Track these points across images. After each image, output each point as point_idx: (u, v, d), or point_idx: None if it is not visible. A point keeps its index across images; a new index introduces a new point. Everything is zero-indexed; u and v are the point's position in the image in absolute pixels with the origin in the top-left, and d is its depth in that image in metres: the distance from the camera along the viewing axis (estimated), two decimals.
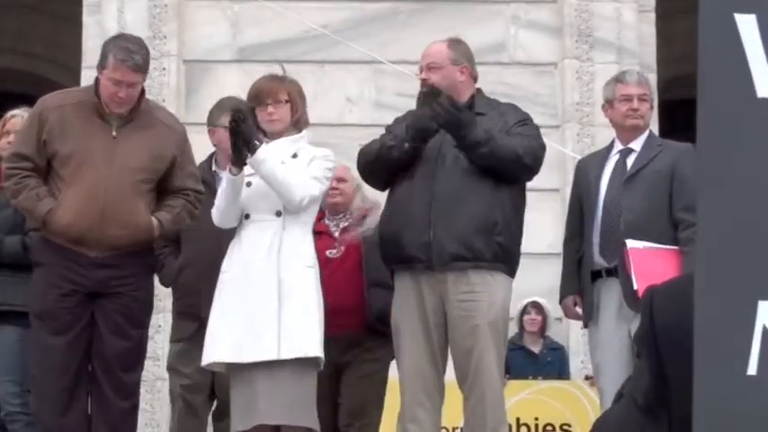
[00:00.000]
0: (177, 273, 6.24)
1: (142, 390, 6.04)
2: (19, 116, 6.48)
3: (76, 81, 10.45)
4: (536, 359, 10.44)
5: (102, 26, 10.57)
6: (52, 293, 5.57)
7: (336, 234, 6.57)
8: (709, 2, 1.87)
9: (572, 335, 10.28)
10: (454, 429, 8.81)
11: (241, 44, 10.86)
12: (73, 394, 5.55)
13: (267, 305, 5.39)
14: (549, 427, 10.00)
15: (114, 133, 5.63)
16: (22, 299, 6.31)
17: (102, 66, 5.62)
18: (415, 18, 10.79)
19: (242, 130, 5.42)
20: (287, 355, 5.33)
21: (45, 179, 5.65)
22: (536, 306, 10.37)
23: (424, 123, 5.66)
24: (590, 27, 10.80)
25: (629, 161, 6.18)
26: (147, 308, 5.74)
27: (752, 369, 2.00)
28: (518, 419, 9.86)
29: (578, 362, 10.22)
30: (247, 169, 5.52)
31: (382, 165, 5.78)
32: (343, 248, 6.46)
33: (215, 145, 6.42)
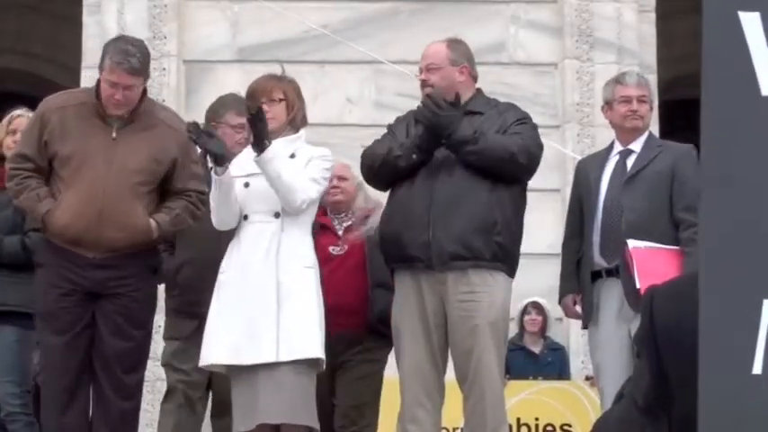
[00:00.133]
0: (175, 271, 6.22)
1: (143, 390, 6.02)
2: (24, 116, 6.48)
3: (76, 81, 10.45)
4: (536, 359, 10.43)
5: (102, 26, 10.58)
6: (52, 293, 5.57)
7: (340, 232, 6.57)
8: (714, 0, 1.86)
9: (572, 335, 10.27)
10: (454, 429, 8.81)
11: (241, 44, 10.85)
12: (73, 394, 5.55)
13: (266, 307, 5.39)
14: (549, 428, 10.00)
15: (114, 135, 5.62)
16: (22, 299, 6.32)
17: (101, 67, 5.63)
18: (415, 18, 10.79)
19: (259, 128, 5.44)
20: (286, 357, 5.33)
21: (47, 180, 5.66)
22: (536, 306, 10.37)
23: (432, 141, 5.67)
24: (590, 27, 10.79)
25: (629, 162, 6.19)
26: (147, 308, 5.73)
27: (757, 368, 1.99)
28: (518, 420, 9.86)
29: (579, 362, 10.22)
30: (238, 170, 5.52)
31: (388, 171, 5.79)
32: (346, 246, 6.45)
33: None
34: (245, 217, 5.58)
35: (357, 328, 6.36)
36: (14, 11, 14.11)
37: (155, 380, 9.16)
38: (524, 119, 5.86)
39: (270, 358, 5.33)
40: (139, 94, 5.64)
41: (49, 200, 5.58)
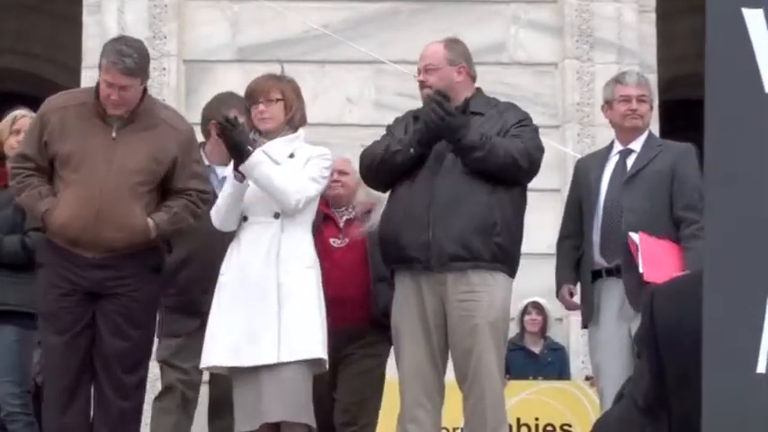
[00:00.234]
0: (173, 269, 6.17)
1: None
2: (28, 116, 6.49)
3: (76, 81, 10.45)
4: (536, 359, 10.43)
5: (102, 26, 10.57)
6: (53, 293, 5.58)
7: (341, 225, 6.55)
8: None
9: (572, 335, 10.27)
10: (454, 429, 8.81)
11: (241, 44, 10.85)
12: (74, 394, 5.55)
13: (266, 308, 5.39)
14: (549, 428, 10.00)
15: (114, 135, 5.61)
16: (22, 299, 6.32)
17: (99, 67, 5.63)
18: (415, 18, 10.79)
19: (232, 137, 5.44)
20: (286, 358, 5.34)
21: (50, 179, 5.66)
22: (536, 306, 10.37)
23: (432, 134, 5.66)
24: (590, 27, 10.79)
25: (629, 162, 6.19)
26: (148, 308, 5.71)
27: (761, 367, 1.99)
28: (518, 420, 9.86)
29: (579, 362, 10.22)
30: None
31: (386, 169, 5.78)
32: (347, 239, 6.44)
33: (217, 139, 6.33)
34: (245, 218, 5.58)
35: (359, 322, 6.33)
36: (14, 11, 14.11)
37: (155, 380, 9.14)
38: (525, 120, 5.86)
39: (271, 359, 5.34)
40: (137, 94, 5.62)
41: (49, 198, 5.59)
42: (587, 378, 9.76)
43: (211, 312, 5.52)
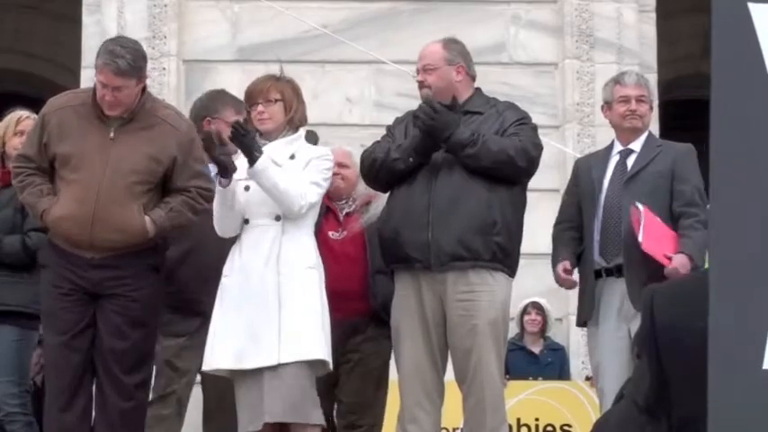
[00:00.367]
0: (171, 267, 6.13)
1: None
2: (32, 118, 6.50)
3: (76, 81, 10.45)
4: (536, 360, 10.43)
5: (102, 26, 10.57)
6: (53, 293, 5.59)
7: (341, 218, 6.53)
8: None
9: (572, 335, 10.27)
10: (454, 430, 8.80)
11: (241, 44, 10.85)
12: (75, 393, 5.55)
13: (267, 311, 5.39)
14: (549, 428, 10.00)
15: (112, 134, 5.60)
16: (22, 299, 6.33)
17: (95, 67, 5.63)
18: (415, 18, 10.79)
19: (244, 143, 5.45)
20: (287, 359, 5.34)
21: (51, 180, 5.66)
22: (536, 306, 10.36)
23: (427, 140, 5.66)
24: (590, 27, 10.79)
25: (630, 162, 6.19)
26: (148, 309, 5.67)
27: (767, 363, 1.98)
28: (518, 420, 9.86)
29: (579, 362, 10.21)
30: (238, 174, 5.51)
31: (386, 173, 5.79)
32: (345, 232, 6.42)
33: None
34: (246, 221, 5.58)
35: (358, 315, 6.29)
36: (14, 10, 14.11)
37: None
38: (523, 119, 5.86)
39: (272, 361, 5.34)
40: (133, 94, 5.58)
41: (49, 197, 5.60)
42: (587, 378, 9.76)
43: (214, 314, 5.52)
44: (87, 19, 10.76)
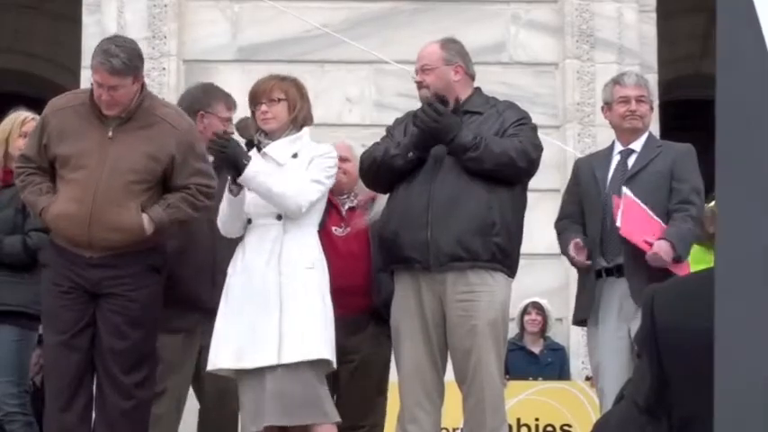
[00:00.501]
0: (170, 264, 6.09)
1: None
2: (36, 119, 6.50)
3: (76, 81, 10.45)
4: (536, 360, 10.43)
5: (102, 26, 10.56)
6: (53, 292, 5.59)
7: (344, 213, 6.51)
8: None
9: (572, 335, 10.27)
10: (454, 430, 8.80)
11: (241, 44, 10.85)
12: (75, 393, 5.55)
13: (269, 310, 5.40)
14: (549, 428, 10.00)
15: (110, 134, 5.60)
16: (22, 299, 6.33)
17: (91, 67, 5.63)
18: (415, 18, 10.79)
19: (226, 154, 5.45)
20: (287, 359, 5.34)
21: (53, 180, 5.67)
22: (536, 306, 10.36)
23: (427, 137, 5.65)
24: (591, 27, 10.79)
25: (630, 162, 6.19)
26: (148, 308, 5.65)
27: None
28: (518, 420, 9.86)
29: (579, 362, 10.21)
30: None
31: (386, 172, 5.78)
32: (349, 229, 6.42)
33: (201, 131, 6.23)
34: (249, 220, 5.59)
35: (360, 312, 6.28)
36: (14, 10, 14.11)
37: None
38: (523, 119, 5.85)
39: (272, 361, 5.34)
40: (129, 93, 5.57)
41: (49, 195, 5.61)
42: (587, 378, 9.76)
43: (218, 314, 5.53)
44: (87, 19, 10.75)
